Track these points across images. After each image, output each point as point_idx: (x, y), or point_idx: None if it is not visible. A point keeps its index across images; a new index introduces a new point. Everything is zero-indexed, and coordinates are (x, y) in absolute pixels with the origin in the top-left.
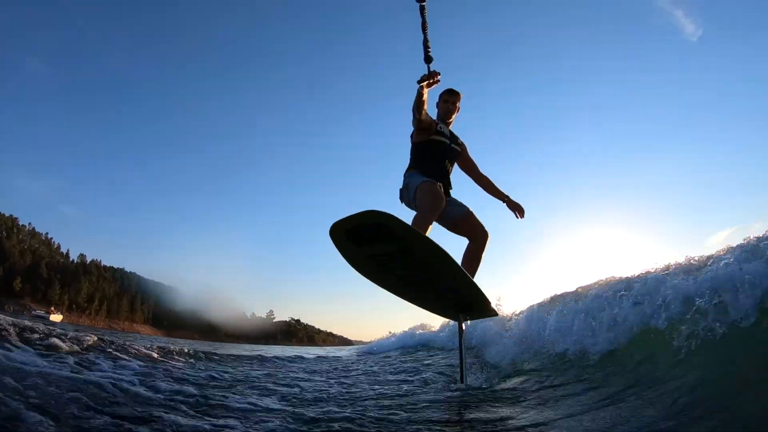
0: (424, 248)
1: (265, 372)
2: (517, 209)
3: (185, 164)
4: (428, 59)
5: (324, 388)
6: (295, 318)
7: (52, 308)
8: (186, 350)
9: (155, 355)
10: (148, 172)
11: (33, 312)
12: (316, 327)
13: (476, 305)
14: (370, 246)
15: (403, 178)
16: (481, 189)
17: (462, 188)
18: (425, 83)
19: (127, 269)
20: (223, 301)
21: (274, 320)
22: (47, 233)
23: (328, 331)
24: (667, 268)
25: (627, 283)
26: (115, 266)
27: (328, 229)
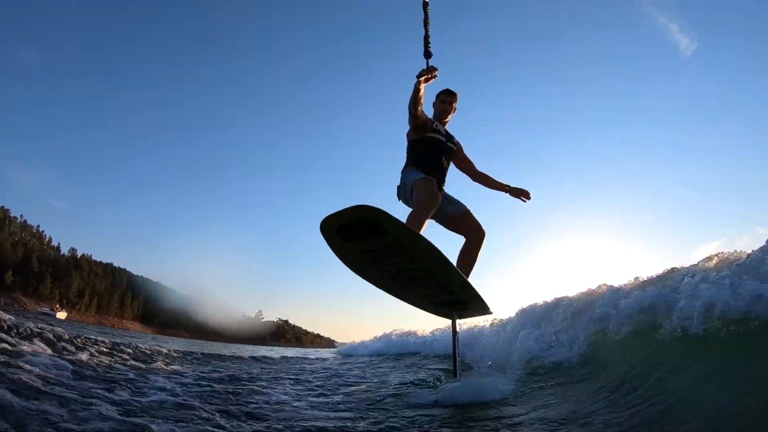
0: (415, 244)
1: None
2: (522, 194)
3: (178, 160)
4: (428, 54)
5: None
6: (283, 319)
7: (57, 306)
8: None
9: None
10: (139, 166)
11: (39, 309)
12: (304, 328)
13: (470, 303)
14: (361, 241)
15: (400, 176)
16: (481, 187)
17: (463, 188)
18: (423, 78)
19: (116, 264)
20: (213, 301)
21: (263, 320)
22: (38, 226)
23: (316, 332)
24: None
25: (611, 292)
26: (105, 261)
27: (319, 225)
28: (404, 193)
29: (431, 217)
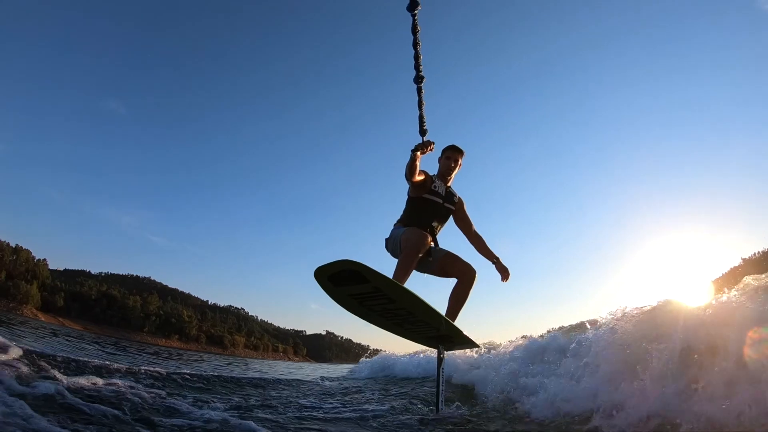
0: (393, 290)
1: None
2: (504, 273)
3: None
4: (423, 133)
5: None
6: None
7: None
8: None
9: None
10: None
11: None
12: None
13: (455, 338)
14: (348, 287)
15: (391, 229)
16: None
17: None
18: (419, 152)
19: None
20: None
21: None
22: None
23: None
24: None
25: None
26: None
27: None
28: (392, 246)
29: (422, 271)
